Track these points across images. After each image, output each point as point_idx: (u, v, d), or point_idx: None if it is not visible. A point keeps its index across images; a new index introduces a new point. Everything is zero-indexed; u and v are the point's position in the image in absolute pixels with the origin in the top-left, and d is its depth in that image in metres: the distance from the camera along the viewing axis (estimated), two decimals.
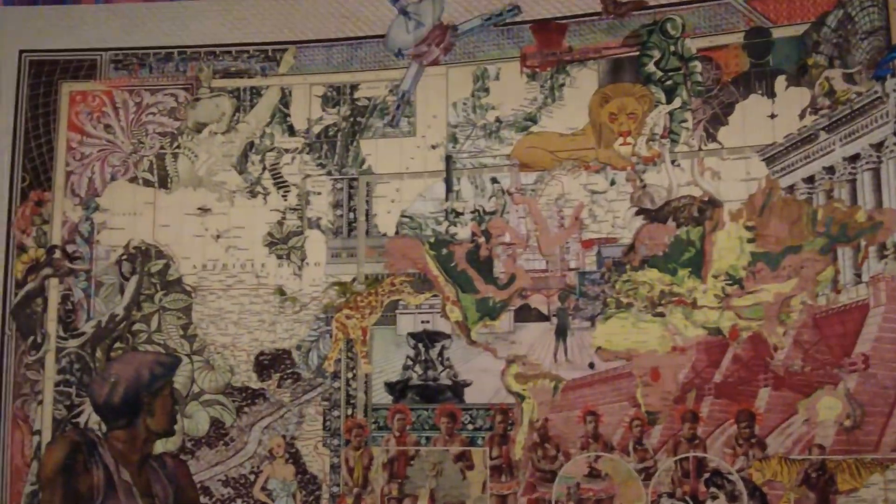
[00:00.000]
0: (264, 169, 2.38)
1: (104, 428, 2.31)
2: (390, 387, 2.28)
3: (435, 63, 2.33)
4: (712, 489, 2.10)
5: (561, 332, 2.20)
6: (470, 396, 2.24)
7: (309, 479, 2.27)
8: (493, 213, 2.27)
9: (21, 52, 2.46)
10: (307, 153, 2.37)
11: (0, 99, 2.45)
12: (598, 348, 2.18)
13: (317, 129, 2.37)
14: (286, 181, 2.37)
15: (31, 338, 2.38)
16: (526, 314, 2.23)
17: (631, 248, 2.19)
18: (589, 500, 2.16)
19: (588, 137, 2.24)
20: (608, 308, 2.19)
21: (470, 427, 2.23)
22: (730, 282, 2.13)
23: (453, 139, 2.30)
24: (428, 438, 2.24)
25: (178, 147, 2.41)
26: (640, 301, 2.17)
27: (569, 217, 2.24)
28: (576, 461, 2.17)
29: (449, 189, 2.29)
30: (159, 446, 2.30)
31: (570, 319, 2.20)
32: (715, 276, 2.14)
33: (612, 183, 2.22)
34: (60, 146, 2.43)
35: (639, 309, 2.17)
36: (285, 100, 2.39)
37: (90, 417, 2.33)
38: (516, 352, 2.22)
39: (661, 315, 2.16)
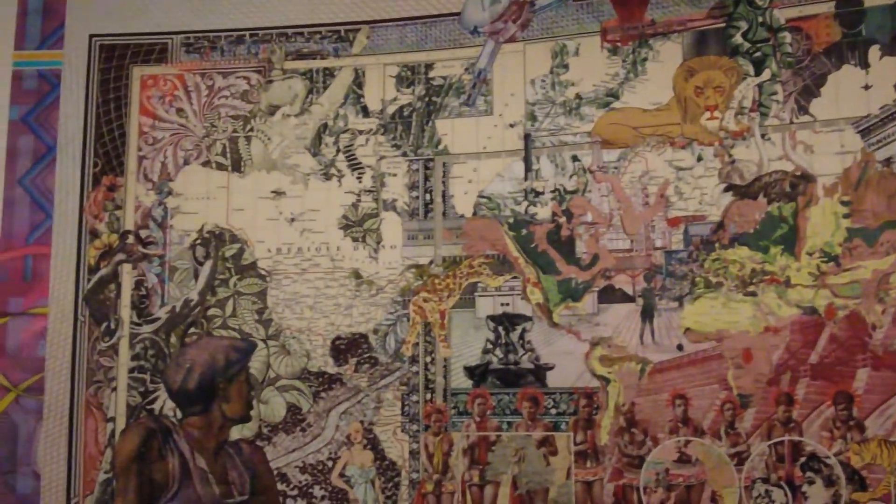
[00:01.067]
0: (338, 151, 2.34)
1: (179, 414, 2.29)
2: (470, 371, 2.23)
3: (512, 40, 2.28)
4: (809, 474, 2.03)
5: (647, 314, 2.14)
6: (552, 380, 2.18)
7: (388, 465, 2.22)
8: (574, 191, 2.21)
9: (91, 36, 2.45)
10: (381, 134, 2.33)
11: (71, 84, 2.44)
12: (687, 329, 2.11)
13: (391, 109, 2.33)
14: (360, 163, 2.33)
15: (105, 324, 2.36)
16: (610, 295, 2.17)
17: (720, 225, 2.12)
18: (679, 486, 2.09)
19: (673, 112, 2.18)
20: (697, 288, 2.12)
21: (553, 411, 2.17)
22: (825, 259, 2.05)
23: (532, 117, 2.25)
24: (509, 423, 2.19)
25: (251, 130, 2.38)
26: (731, 280, 2.10)
27: (654, 195, 2.17)
28: (665, 446, 2.10)
29: (528, 168, 2.24)
30: (235, 432, 2.27)
31: (656, 300, 2.14)
32: (809, 254, 2.06)
33: (699, 159, 2.16)
34: (132, 130, 2.41)
35: (729, 288, 2.10)
36: (359, 80, 2.35)
37: (165, 404, 2.30)
38: (601, 334, 2.16)
39: (753, 294, 2.09)
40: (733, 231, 2.11)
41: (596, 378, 2.15)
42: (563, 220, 2.21)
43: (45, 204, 2.42)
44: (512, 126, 2.26)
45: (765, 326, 2.07)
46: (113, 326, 2.36)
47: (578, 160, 2.22)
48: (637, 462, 2.12)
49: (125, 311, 2.36)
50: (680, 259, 2.14)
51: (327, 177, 2.33)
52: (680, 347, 2.11)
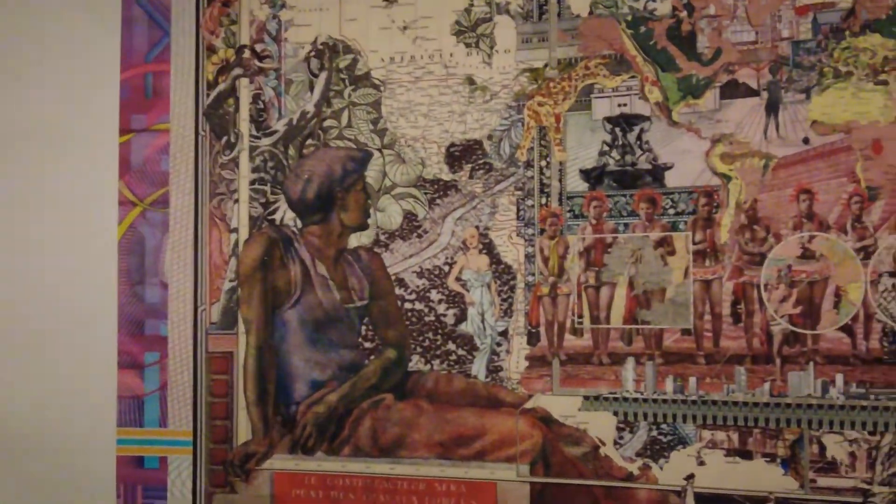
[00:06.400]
0: None
1: (299, 224, 2.35)
2: (585, 174, 2.21)
3: None
4: None
5: (772, 107, 2.07)
6: (671, 180, 2.15)
7: (503, 268, 2.24)
8: None
9: None
10: None
11: None
12: (814, 122, 2.05)
13: None
14: None
15: (225, 138, 2.41)
16: (733, 90, 2.10)
17: (851, 12, 2.03)
18: (801, 281, 2.06)
19: None
20: (825, 78, 2.04)
21: (671, 212, 2.15)
22: None
23: None
24: (626, 225, 2.18)
25: None
26: (861, 69, 2.01)
27: None
28: (787, 242, 2.06)
29: None
30: (353, 240, 2.32)
31: (782, 93, 2.07)
32: None
33: None
34: None
35: (859, 78, 2.02)
36: None
37: (285, 214, 2.35)
38: (722, 130, 2.10)
39: (885, 83, 2.00)
40: (865, 17, 2.02)
41: (716, 176, 2.11)
42: (683, 14, 2.14)
43: (162, 21, 2.46)
44: None
45: None
46: (233, 140, 2.40)
47: None
48: (758, 259, 2.09)
49: (244, 125, 2.40)
50: (808, 49, 2.06)
51: None
52: (806, 141, 2.05)
